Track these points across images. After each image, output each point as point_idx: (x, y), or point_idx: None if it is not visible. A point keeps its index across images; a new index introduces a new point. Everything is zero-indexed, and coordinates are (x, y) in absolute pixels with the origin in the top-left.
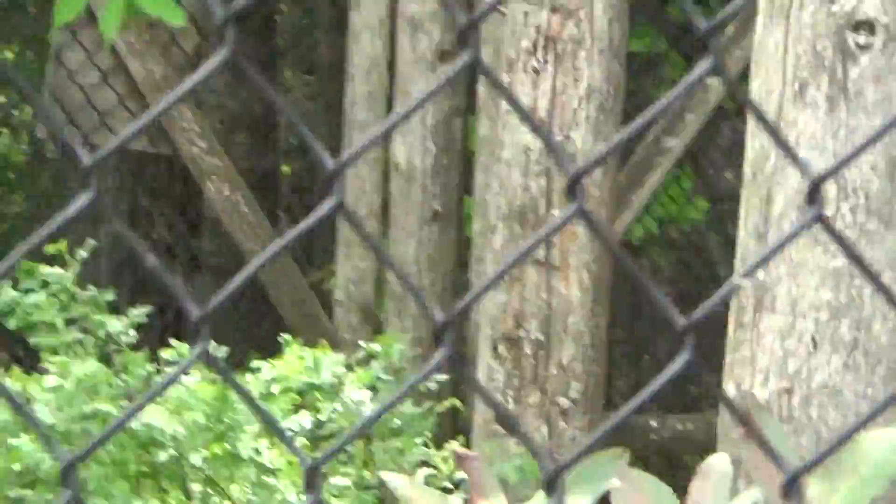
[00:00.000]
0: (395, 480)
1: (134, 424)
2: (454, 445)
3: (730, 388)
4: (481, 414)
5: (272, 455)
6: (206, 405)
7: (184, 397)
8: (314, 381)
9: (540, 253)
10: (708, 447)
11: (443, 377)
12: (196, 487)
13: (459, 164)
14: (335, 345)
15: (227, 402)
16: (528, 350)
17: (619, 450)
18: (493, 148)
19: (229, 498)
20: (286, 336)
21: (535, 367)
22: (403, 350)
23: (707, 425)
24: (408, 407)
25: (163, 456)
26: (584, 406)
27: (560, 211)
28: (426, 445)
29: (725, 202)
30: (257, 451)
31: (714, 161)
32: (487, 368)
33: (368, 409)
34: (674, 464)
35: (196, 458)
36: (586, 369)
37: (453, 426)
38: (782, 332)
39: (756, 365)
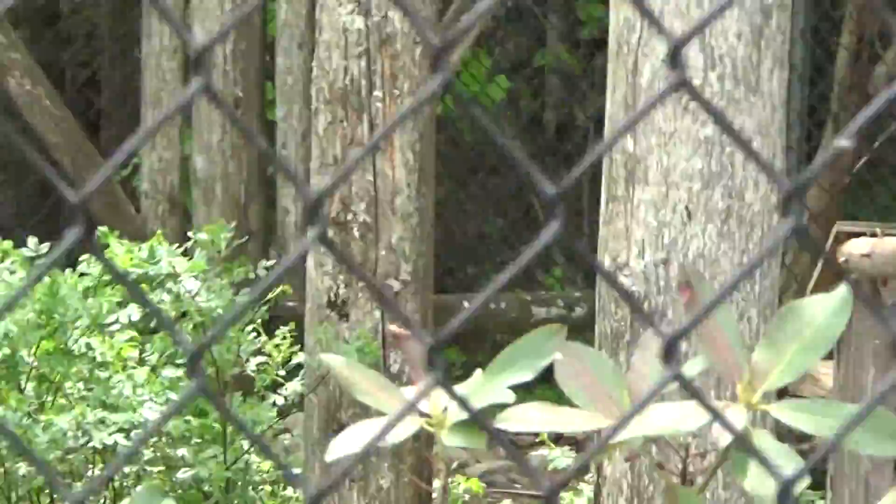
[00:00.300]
0: (334, 361)
1: None
2: (285, 331)
3: (605, 261)
4: (313, 300)
5: (104, 349)
6: (36, 301)
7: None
8: (150, 271)
9: (364, 135)
10: (520, 324)
11: (269, 262)
12: (29, 385)
13: (259, 49)
14: (143, 235)
15: (57, 298)
16: (356, 233)
17: (556, 325)
18: (293, 32)
19: (63, 394)
20: (102, 229)
21: (365, 251)
22: (229, 238)
23: (520, 302)
24: (238, 296)
25: None
26: (414, 287)
27: (378, 93)
28: (258, 333)
29: (525, 80)
30: (89, 346)
31: (515, 40)
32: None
33: (202, 298)
34: (485, 340)
35: (28, 356)
36: (415, 250)
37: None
38: (656, 203)
39: (631, 237)
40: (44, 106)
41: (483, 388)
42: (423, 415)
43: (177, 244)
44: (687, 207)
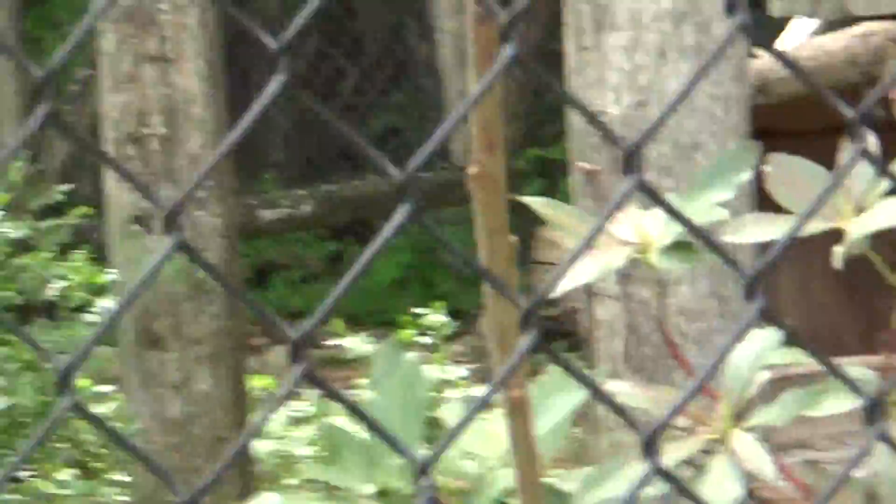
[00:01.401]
0: (533, 201)
1: None
2: (81, 254)
3: None
4: (116, 216)
5: None
6: None
7: None
8: None
9: (154, 49)
10: (248, 229)
11: (66, 186)
12: None
13: None
14: None
15: None
16: (155, 146)
17: (752, 142)
18: None
19: None
20: None
21: (165, 162)
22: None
23: (245, 207)
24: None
25: None
26: (218, 192)
27: None
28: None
29: None
30: None
31: None
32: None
33: (5, 228)
34: None
35: None
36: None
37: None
38: (627, 48)
39: (605, 84)
40: None
41: (691, 208)
42: (627, 243)
43: None
44: (660, 47)
